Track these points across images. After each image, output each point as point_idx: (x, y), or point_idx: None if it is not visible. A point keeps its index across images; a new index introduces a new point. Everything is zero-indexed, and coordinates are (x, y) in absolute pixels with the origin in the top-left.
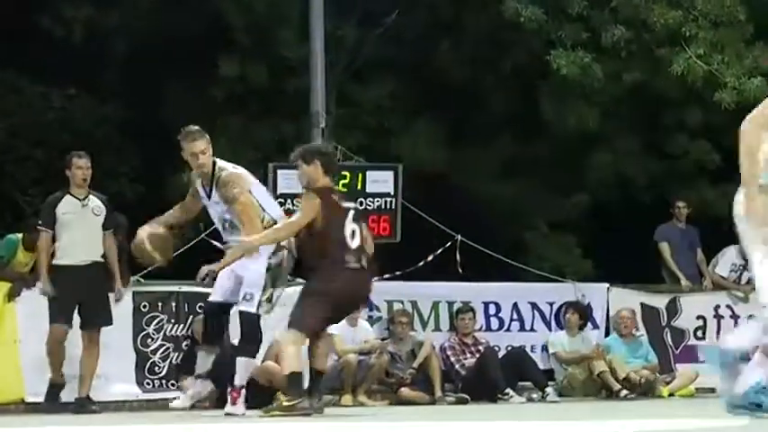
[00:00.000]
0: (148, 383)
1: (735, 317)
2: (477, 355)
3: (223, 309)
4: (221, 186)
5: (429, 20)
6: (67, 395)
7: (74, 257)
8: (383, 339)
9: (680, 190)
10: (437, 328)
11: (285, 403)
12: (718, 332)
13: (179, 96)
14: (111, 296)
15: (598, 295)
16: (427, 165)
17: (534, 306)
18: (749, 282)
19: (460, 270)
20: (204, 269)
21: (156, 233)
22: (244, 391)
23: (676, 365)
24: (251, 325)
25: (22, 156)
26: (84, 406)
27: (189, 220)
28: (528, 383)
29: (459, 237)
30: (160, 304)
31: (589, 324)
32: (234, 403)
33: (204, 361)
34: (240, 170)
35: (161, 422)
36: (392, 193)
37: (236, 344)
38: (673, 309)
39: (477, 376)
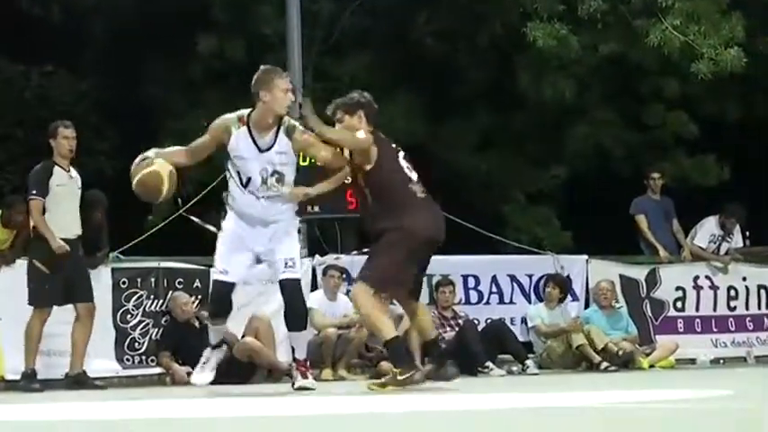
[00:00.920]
0: (128, 360)
1: (714, 288)
2: (457, 329)
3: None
4: (292, 132)
5: None
6: (52, 372)
7: (67, 231)
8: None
9: (657, 161)
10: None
11: (399, 377)
12: (697, 303)
13: (158, 73)
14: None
15: (577, 267)
16: (405, 138)
17: (513, 279)
18: (728, 252)
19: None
20: (301, 191)
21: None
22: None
23: (656, 337)
24: (297, 293)
25: (0, 134)
26: (83, 382)
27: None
28: (508, 356)
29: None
30: (139, 280)
31: (569, 296)
32: (305, 376)
33: (217, 334)
34: None
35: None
36: None
37: (287, 319)
38: (652, 280)
39: (456, 349)
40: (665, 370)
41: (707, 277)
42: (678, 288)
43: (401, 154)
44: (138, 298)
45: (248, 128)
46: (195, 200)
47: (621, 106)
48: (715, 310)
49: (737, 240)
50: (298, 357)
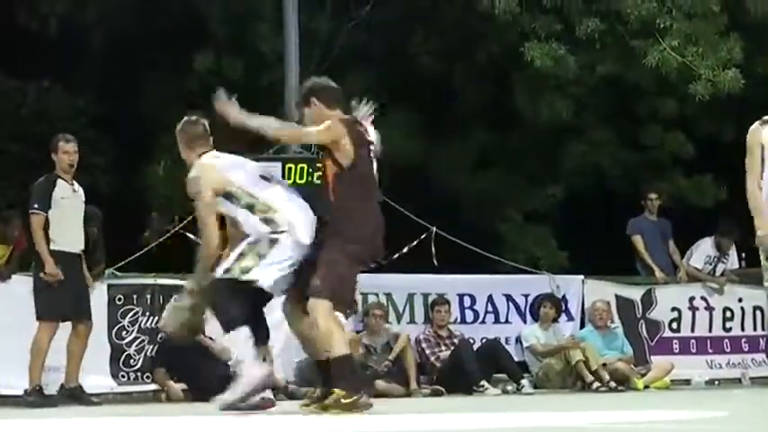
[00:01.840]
0: (123, 376)
1: (709, 308)
2: (452, 348)
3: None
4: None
5: (402, 11)
6: (47, 388)
7: (72, 245)
8: (358, 332)
9: (654, 181)
10: (412, 321)
11: (344, 401)
12: (693, 324)
13: (154, 90)
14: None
15: (573, 287)
16: (402, 156)
17: (509, 298)
18: (723, 273)
19: (435, 262)
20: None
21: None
22: None
23: (651, 357)
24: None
25: None
26: (78, 396)
27: None
28: (503, 375)
29: (435, 229)
30: (135, 297)
31: (564, 316)
32: None
33: None
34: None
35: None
36: None
37: None
38: (648, 300)
39: (452, 368)
40: (660, 391)
41: (702, 298)
42: (674, 309)
43: (372, 148)
44: (134, 314)
45: None
46: (191, 217)
47: (618, 126)
48: (710, 330)
49: (733, 261)
50: None
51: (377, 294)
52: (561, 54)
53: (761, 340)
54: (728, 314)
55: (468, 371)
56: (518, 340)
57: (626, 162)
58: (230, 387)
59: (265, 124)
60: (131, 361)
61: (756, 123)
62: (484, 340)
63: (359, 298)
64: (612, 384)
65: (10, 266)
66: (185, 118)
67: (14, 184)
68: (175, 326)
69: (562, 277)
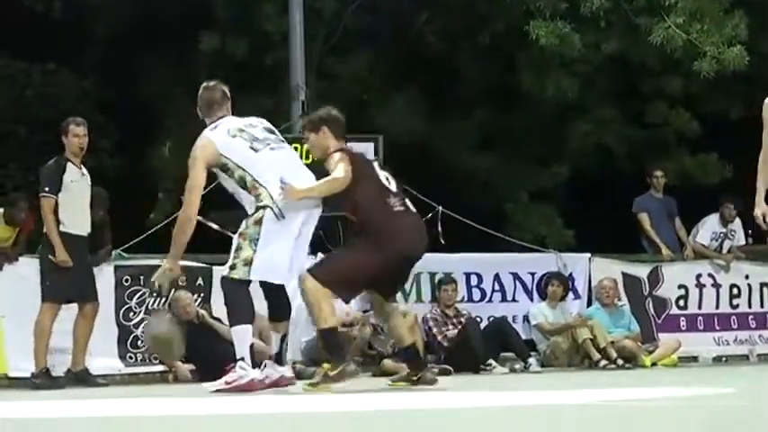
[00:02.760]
0: (131, 357)
1: (716, 285)
2: (460, 327)
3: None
4: None
5: None
6: (53, 369)
7: (80, 228)
8: (365, 312)
9: (659, 159)
10: (419, 300)
11: (330, 373)
12: (700, 301)
13: (160, 72)
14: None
15: (580, 265)
16: (407, 136)
17: (516, 276)
18: (730, 250)
19: (442, 241)
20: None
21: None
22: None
23: (659, 335)
24: (227, 291)
25: (2, 132)
26: (85, 379)
27: None
28: (510, 354)
29: (441, 208)
30: (142, 278)
31: (571, 294)
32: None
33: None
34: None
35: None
36: None
37: None
38: (654, 278)
39: (459, 347)
40: (667, 368)
41: (709, 275)
42: (681, 286)
43: (376, 165)
44: (141, 296)
45: None
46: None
47: (624, 104)
48: (717, 307)
49: (740, 238)
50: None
51: None
52: (566, 32)
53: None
54: (735, 291)
55: (475, 349)
56: (525, 318)
57: (631, 140)
58: (225, 376)
59: (312, 188)
60: (139, 342)
61: None
62: (491, 319)
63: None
64: (620, 362)
65: (17, 248)
66: (204, 83)
67: (20, 167)
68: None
69: (569, 255)
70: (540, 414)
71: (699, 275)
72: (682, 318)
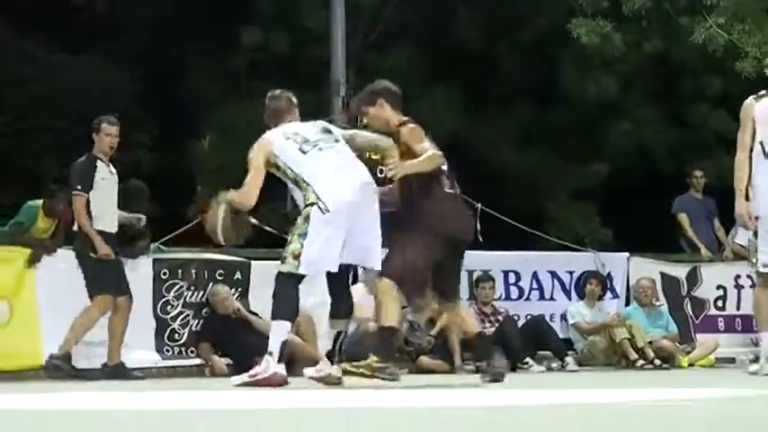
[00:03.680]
0: (168, 350)
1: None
2: (497, 324)
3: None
4: None
5: None
6: (90, 362)
7: (111, 225)
8: (402, 308)
9: (699, 159)
10: None
11: (375, 364)
12: (738, 302)
13: (200, 65)
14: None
15: (618, 264)
16: (446, 132)
17: (554, 275)
18: None
19: (480, 238)
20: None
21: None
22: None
23: (696, 335)
24: (277, 284)
25: (40, 125)
26: (121, 373)
27: None
28: (547, 353)
29: (480, 205)
30: (180, 271)
31: (609, 293)
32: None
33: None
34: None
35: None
36: None
37: None
38: (693, 278)
39: (496, 345)
40: (704, 369)
41: (748, 276)
42: (719, 287)
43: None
44: (179, 289)
45: None
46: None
47: (664, 104)
48: None
49: None
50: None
51: None
52: (608, 31)
53: None
54: None
55: (512, 348)
56: (563, 317)
57: (671, 140)
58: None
59: (415, 164)
60: (176, 335)
61: (750, 98)
62: (528, 317)
63: None
64: (657, 362)
65: (56, 239)
66: (269, 93)
67: (59, 159)
68: (224, 228)
69: (607, 254)
70: (574, 413)
71: (737, 276)
72: (720, 318)
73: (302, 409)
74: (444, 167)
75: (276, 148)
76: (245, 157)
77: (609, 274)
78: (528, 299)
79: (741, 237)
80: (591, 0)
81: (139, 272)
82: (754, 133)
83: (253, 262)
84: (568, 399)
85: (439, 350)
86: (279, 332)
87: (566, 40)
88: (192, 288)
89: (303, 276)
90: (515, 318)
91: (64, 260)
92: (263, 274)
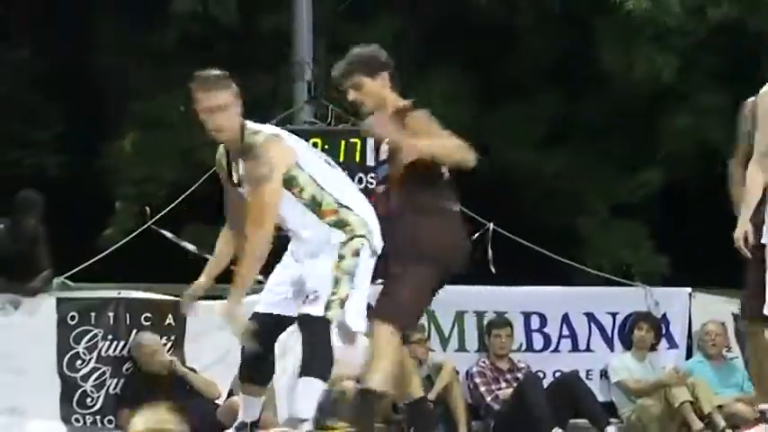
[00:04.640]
0: (78, 420)
1: None
2: (515, 384)
3: (276, 325)
4: (250, 159)
5: None
6: None
7: None
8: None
9: None
10: (462, 348)
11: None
12: None
13: (118, 41)
14: None
15: (677, 303)
16: (447, 128)
17: (591, 318)
18: None
19: (493, 269)
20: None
21: None
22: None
23: None
24: (319, 334)
25: None
26: None
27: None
28: (583, 421)
29: (492, 225)
30: (93, 315)
31: (664, 342)
32: None
33: (250, 407)
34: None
35: None
36: None
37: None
38: None
39: (515, 412)
40: None
41: None
42: None
43: None
44: (92, 338)
45: None
46: (169, 208)
47: (736, 90)
48: None
49: None
50: (300, 416)
51: None
52: None
53: None
54: None
55: (536, 416)
56: (603, 374)
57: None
58: None
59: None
60: (88, 400)
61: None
62: (557, 374)
63: None
64: (733, 429)
65: None
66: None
67: None
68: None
69: (662, 290)
70: None
71: None
72: None
73: None
74: (446, 175)
75: (301, 158)
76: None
77: (664, 315)
78: (557, 350)
79: None
80: None
81: (38, 315)
82: None
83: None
84: None
85: (438, 418)
86: (315, 394)
87: (605, 5)
88: (110, 337)
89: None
90: (540, 375)
91: None
92: (203, 317)
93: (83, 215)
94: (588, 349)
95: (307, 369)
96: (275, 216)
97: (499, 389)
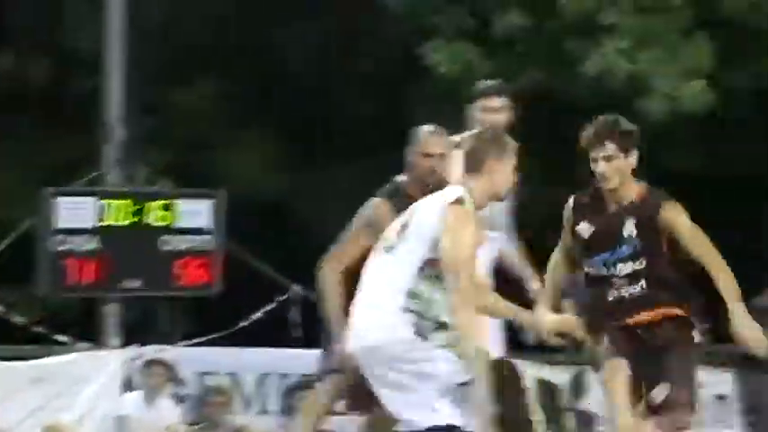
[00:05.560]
0: None
1: None
2: None
3: None
4: None
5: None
6: None
7: None
8: (191, 425)
9: None
10: (263, 411)
11: None
12: None
13: None
14: None
15: None
16: (260, 191)
17: None
18: None
19: (300, 333)
20: None
21: None
22: None
23: None
24: None
25: None
26: None
27: None
28: None
29: (300, 288)
30: None
31: None
32: None
33: None
34: None
35: None
36: (210, 229)
37: None
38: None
39: None
40: None
41: None
42: None
43: None
44: None
45: None
46: None
47: (546, 154)
48: None
49: None
50: None
51: (218, 374)
52: (471, 58)
53: None
54: None
55: None
56: None
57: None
58: None
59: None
60: None
61: None
62: None
63: (193, 379)
64: None
65: None
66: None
67: None
68: None
69: None
70: None
71: None
72: None
73: None
74: None
75: None
76: None
77: None
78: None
79: None
80: (450, 18)
81: None
82: None
83: None
84: None
85: None
86: None
87: (418, 69)
88: None
89: None
90: None
91: None
92: (12, 379)
93: None
94: None
95: None
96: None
97: None
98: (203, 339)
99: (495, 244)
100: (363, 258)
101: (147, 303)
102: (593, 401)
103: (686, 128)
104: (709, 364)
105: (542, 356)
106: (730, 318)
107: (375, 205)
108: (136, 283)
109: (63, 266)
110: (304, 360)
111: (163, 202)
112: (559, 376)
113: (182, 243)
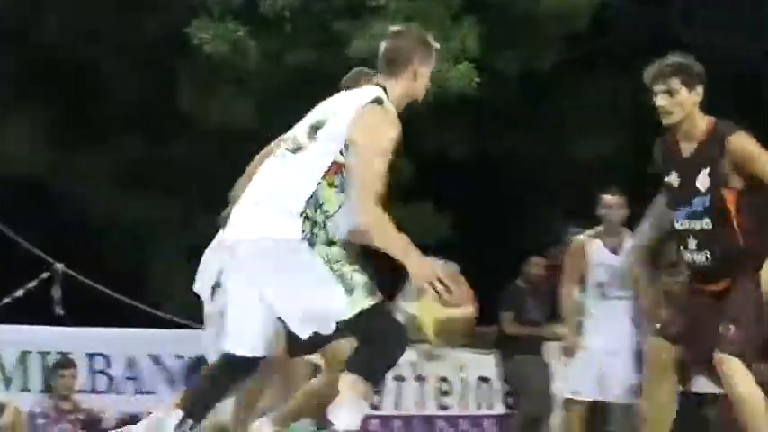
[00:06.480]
0: None
1: None
2: (79, 426)
3: None
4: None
5: None
6: None
7: None
8: None
9: None
10: (25, 388)
11: None
12: None
13: None
14: None
15: None
16: (21, 168)
17: (157, 360)
18: None
19: (61, 311)
20: None
21: None
22: None
23: None
24: None
25: None
26: None
27: None
28: None
29: (62, 266)
30: None
31: None
32: None
33: None
34: None
35: None
36: None
37: None
38: None
39: None
40: None
41: None
42: None
43: None
44: None
45: None
46: None
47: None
48: None
49: None
50: None
51: None
52: (240, 36)
53: None
54: None
55: None
56: None
57: None
58: None
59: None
60: None
61: None
62: (124, 416)
63: None
64: None
65: None
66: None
67: None
68: None
69: None
70: None
71: None
72: None
73: None
74: None
75: None
76: None
77: None
78: (121, 392)
79: None
80: None
81: None
82: None
83: None
84: None
85: None
86: None
87: (185, 48)
88: None
89: None
90: (102, 416)
91: None
92: None
93: None
94: (151, 392)
95: None
96: None
97: (62, 430)
98: None
99: None
100: None
101: None
102: None
103: (455, 110)
104: (474, 347)
105: None
106: None
107: None
108: None
109: None
110: (63, 337)
111: None
112: None
113: None
